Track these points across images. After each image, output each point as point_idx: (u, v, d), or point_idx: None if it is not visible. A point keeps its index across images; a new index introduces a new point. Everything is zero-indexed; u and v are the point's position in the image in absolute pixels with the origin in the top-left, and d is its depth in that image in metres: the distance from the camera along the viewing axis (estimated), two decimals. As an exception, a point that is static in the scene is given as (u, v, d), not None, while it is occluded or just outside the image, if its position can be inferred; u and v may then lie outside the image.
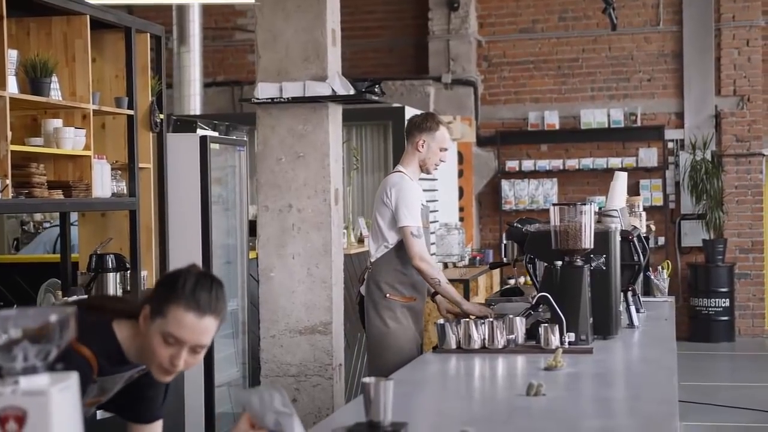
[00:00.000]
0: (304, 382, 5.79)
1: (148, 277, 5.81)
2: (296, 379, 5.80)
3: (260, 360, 5.80)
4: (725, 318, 12.26)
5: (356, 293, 5.61)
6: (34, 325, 1.75)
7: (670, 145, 12.72)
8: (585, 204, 4.43)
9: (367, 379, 2.75)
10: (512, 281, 12.37)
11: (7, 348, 1.73)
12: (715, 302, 12.22)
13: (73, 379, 1.78)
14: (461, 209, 12.40)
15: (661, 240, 12.55)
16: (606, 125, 12.70)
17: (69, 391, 1.76)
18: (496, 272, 11.29)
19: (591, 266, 4.45)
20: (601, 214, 5.19)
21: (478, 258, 11.10)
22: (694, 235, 12.55)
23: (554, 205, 4.47)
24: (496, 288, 11.29)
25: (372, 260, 5.35)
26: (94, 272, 5.37)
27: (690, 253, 12.68)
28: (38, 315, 1.76)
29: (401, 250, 5.24)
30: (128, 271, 5.53)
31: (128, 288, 5.55)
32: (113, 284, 5.38)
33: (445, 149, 5.38)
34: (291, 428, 2.49)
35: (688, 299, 12.48)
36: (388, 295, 5.22)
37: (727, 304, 12.24)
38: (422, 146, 5.30)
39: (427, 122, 5.34)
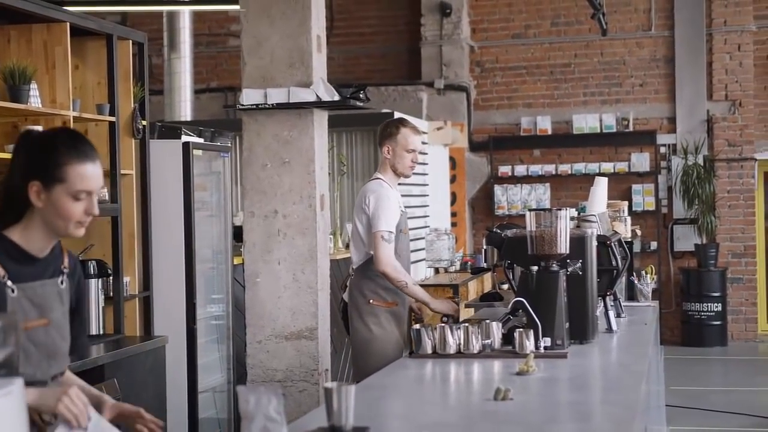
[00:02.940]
0: (291, 387, 5.81)
1: (131, 283, 5.82)
2: (282, 385, 5.81)
3: (246, 365, 5.82)
4: (718, 322, 12.26)
5: (339, 300, 5.65)
6: (-25, 331, 1.77)
7: (663, 149, 12.73)
8: (561, 209, 4.44)
9: (328, 384, 2.77)
10: (505, 286, 12.38)
11: (-52, 354, 1.75)
12: (708, 307, 12.22)
13: (16, 384, 1.80)
14: (454, 214, 12.43)
15: (654, 245, 12.57)
16: (598, 130, 12.73)
17: (11, 397, 1.78)
18: (488, 277, 11.31)
19: (567, 271, 4.46)
20: (580, 219, 5.20)
21: (470, 263, 11.10)
22: (686, 239, 12.56)
23: (530, 210, 4.48)
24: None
25: (354, 267, 5.42)
26: (76, 278, 5.38)
27: (682, 257, 12.70)
28: (-20, 321, 1.78)
29: None
30: (110, 278, 5.54)
31: (110, 294, 5.56)
32: (95, 290, 5.39)
33: (413, 150, 5.43)
34: None
35: (681, 304, 12.48)
36: (371, 301, 5.32)
37: (720, 308, 12.25)
38: (389, 152, 5.42)
39: (387, 128, 5.46)
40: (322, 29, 6.31)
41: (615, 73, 12.88)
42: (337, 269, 7.32)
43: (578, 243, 4.54)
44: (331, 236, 7.97)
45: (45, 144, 2.71)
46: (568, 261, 4.49)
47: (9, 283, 2.65)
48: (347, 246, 8.00)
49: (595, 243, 4.70)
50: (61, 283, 2.81)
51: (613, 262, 5.02)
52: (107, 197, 5.55)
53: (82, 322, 2.93)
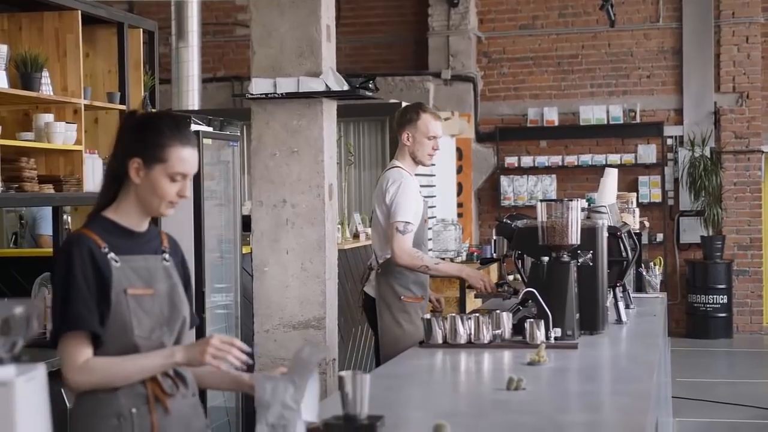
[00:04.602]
0: (298, 376, 5.81)
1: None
2: (290, 374, 5.82)
3: (254, 354, 5.82)
4: (723, 314, 12.27)
5: (359, 295, 5.47)
6: (-1, 317, 1.77)
7: (669, 141, 12.73)
8: (572, 200, 4.44)
9: (343, 373, 2.77)
10: (510, 277, 12.39)
11: (-28, 339, 1.76)
12: (713, 299, 12.23)
13: (39, 371, 1.81)
14: (460, 205, 12.42)
15: (660, 236, 12.56)
16: (605, 122, 12.72)
17: (35, 382, 1.78)
18: (494, 268, 11.31)
19: (578, 262, 4.46)
20: (590, 210, 5.20)
21: (476, 254, 11.10)
22: (692, 231, 12.56)
23: (541, 200, 4.47)
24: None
25: (380, 261, 5.24)
26: (86, 266, 5.37)
27: (688, 249, 12.69)
28: (3, 307, 1.78)
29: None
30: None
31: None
32: (105, 279, 5.38)
33: (433, 137, 5.24)
34: (294, 426, 2.53)
35: (687, 296, 12.48)
36: (403, 297, 5.16)
37: (725, 300, 12.25)
38: (408, 139, 5.24)
39: (407, 114, 5.27)
40: (332, 19, 6.31)
41: (622, 64, 12.86)
42: (345, 259, 7.31)
43: (589, 234, 4.54)
44: (339, 226, 7.97)
45: (150, 124, 2.85)
46: (578, 252, 4.48)
47: (112, 255, 2.78)
48: (355, 236, 8.00)
49: (606, 234, 4.70)
50: (165, 260, 2.93)
51: (623, 253, 5.02)
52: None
53: (192, 299, 3.04)
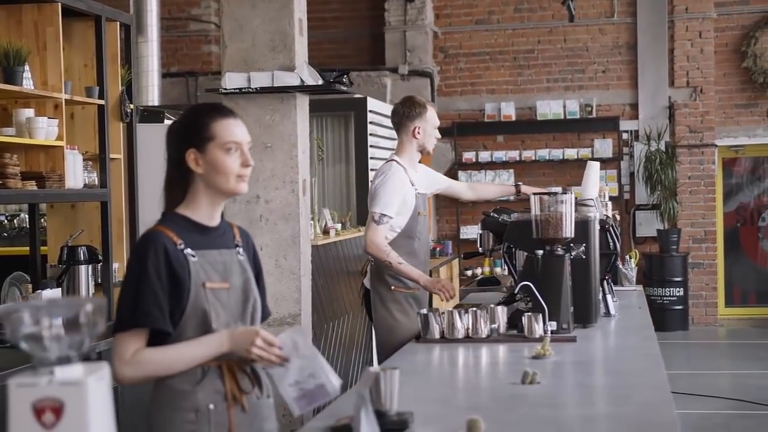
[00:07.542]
0: (273, 374, 5.75)
1: (120, 269, 5.73)
2: (264, 370, 5.77)
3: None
4: (679, 307, 12.40)
5: (360, 286, 5.51)
6: (67, 315, 1.72)
7: (625, 136, 12.83)
8: (565, 193, 4.44)
9: (373, 369, 2.74)
10: (469, 272, 12.42)
11: (40, 338, 1.70)
12: (670, 291, 12.35)
13: (105, 369, 1.75)
14: (418, 200, 12.40)
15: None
16: (562, 116, 12.78)
17: (103, 381, 1.73)
18: (456, 263, 11.35)
19: (571, 255, 4.47)
20: (578, 204, 5.20)
21: (438, 249, 11.13)
22: (648, 225, 12.68)
23: (535, 194, 4.47)
24: (456, 279, 11.35)
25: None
26: (65, 265, 5.28)
27: (644, 242, 12.81)
28: (71, 305, 1.73)
29: (402, 241, 5.19)
30: (100, 264, 5.45)
31: (100, 281, 5.47)
32: (85, 276, 5.29)
33: (437, 126, 5.41)
34: (320, 367, 2.65)
35: (643, 288, 12.58)
36: (393, 288, 5.22)
37: (681, 293, 12.38)
38: (419, 133, 5.31)
39: (415, 109, 5.33)
40: (304, 12, 6.27)
41: (578, 59, 12.95)
42: (316, 255, 7.26)
43: (581, 227, 4.55)
44: (310, 222, 7.92)
45: (187, 117, 2.90)
46: (571, 245, 4.49)
47: (188, 250, 2.79)
48: (325, 232, 7.95)
49: (597, 227, 4.71)
50: (239, 254, 2.93)
51: (611, 246, 5.04)
52: (96, 182, 5.45)
53: (264, 290, 3.04)
